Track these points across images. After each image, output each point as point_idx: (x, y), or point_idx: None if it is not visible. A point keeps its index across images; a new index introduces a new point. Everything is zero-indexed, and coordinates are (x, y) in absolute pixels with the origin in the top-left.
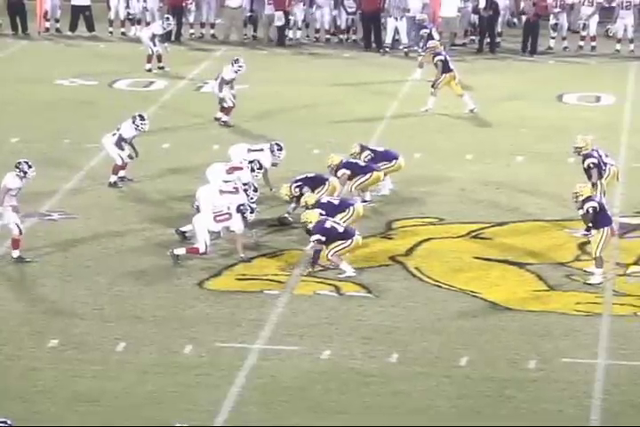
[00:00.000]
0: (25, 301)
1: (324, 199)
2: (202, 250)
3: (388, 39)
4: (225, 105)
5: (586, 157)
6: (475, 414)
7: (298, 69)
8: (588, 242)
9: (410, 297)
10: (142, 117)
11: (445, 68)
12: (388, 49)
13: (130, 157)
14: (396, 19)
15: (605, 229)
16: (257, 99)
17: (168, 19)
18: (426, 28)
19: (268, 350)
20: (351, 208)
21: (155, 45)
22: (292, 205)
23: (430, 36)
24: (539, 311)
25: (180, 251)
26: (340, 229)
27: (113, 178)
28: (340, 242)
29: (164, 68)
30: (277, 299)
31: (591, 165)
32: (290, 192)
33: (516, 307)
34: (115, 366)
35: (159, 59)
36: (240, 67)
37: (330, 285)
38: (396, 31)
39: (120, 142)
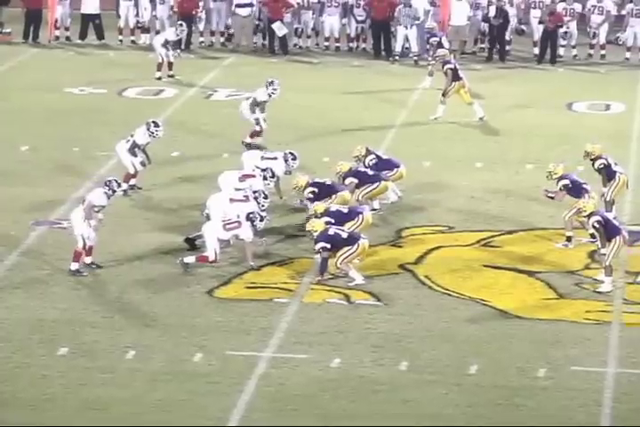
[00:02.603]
0: (35, 308)
1: (333, 208)
2: (211, 258)
3: (397, 47)
4: (257, 128)
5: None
6: (484, 421)
7: (307, 77)
8: (598, 250)
9: (419, 305)
10: (156, 124)
11: (455, 76)
12: (397, 57)
13: (142, 164)
14: (406, 27)
15: (616, 238)
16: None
17: (182, 25)
18: (435, 36)
19: (277, 359)
20: (360, 216)
21: (168, 51)
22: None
23: (440, 45)
24: (548, 319)
25: (190, 259)
26: (344, 235)
27: (124, 186)
28: (346, 248)
29: (174, 77)
30: (287, 307)
31: (562, 187)
32: (302, 189)
33: (526, 315)
34: (124, 373)
35: (170, 67)
36: (274, 90)
37: (339, 293)
38: (406, 39)
39: (133, 149)
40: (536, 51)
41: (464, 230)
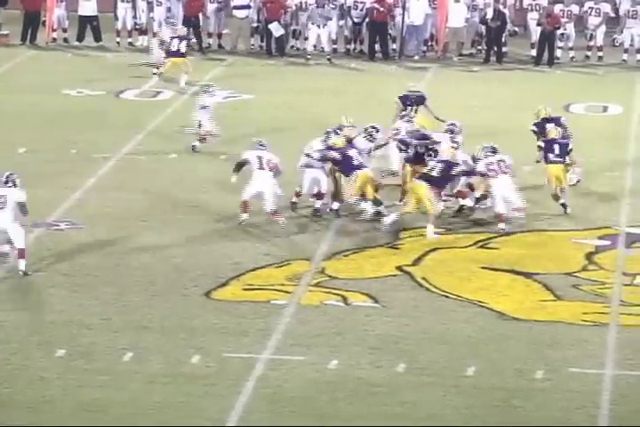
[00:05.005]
0: (33, 310)
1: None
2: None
3: (309, 47)
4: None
5: None
6: (482, 423)
7: (304, 79)
8: (596, 252)
9: (417, 307)
10: (375, 129)
11: None
12: (309, 57)
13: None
14: (319, 26)
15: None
16: (264, 108)
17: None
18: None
19: (275, 360)
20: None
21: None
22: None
23: None
24: (546, 321)
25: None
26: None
27: (335, 205)
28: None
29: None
30: (284, 309)
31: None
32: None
33: (523, 317)
34: (122, 375)
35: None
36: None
37: (337, 295)
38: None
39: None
40: (533, 53)
41: (462, 232)
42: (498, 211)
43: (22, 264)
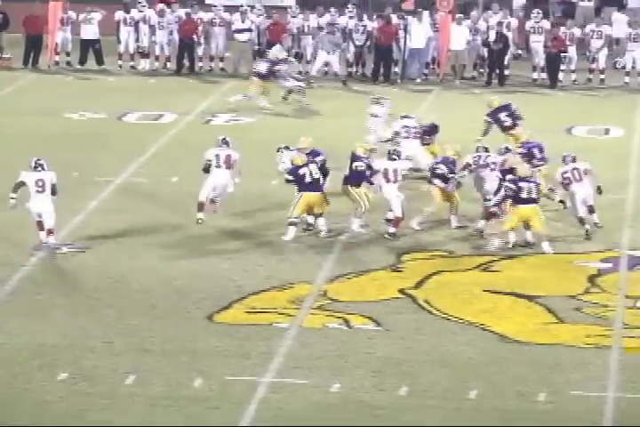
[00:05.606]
0: (35, 333)
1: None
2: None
3: (312, 71)
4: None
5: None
6: None
7: (307, 101)
8: (598, 275)
9: (419, 330)
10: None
11: None
12: (312, 81)
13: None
14: (329, 52)
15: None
16: (266, 130)
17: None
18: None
19: (277, 383)
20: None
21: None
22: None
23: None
24: (548, 344)
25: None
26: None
27: (392, 229)
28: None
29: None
30: (286, 332)
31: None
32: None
33: (526, 339)
34: (124, 399)
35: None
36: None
37: (339, 318)
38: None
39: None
40: (535, 75)
41: (464, 255)
42: (579, 215)
43: (52, 239)
